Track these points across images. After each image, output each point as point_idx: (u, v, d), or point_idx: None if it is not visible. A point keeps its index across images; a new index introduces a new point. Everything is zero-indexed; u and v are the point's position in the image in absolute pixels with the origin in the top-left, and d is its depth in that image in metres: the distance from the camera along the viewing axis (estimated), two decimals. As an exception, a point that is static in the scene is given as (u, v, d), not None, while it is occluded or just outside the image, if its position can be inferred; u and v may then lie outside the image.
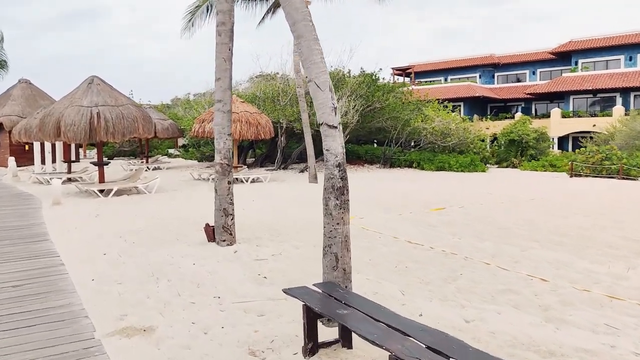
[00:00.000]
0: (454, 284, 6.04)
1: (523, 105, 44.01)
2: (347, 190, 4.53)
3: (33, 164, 24.88)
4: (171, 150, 44.40)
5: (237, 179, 19.33)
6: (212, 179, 19.45)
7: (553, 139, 34.92)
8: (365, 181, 20.30)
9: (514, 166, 28.35)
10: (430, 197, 14.71)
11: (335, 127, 4.49)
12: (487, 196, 14.92)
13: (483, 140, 28.28)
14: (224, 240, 7.66)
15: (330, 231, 4.50)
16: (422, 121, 26.12)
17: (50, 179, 18.68)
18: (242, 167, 21.28)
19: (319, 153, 20.51)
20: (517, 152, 29.47)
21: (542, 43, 69.87)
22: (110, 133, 14.91)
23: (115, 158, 37.42)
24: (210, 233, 7.91)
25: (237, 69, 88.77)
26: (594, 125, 34.87)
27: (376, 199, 14.16)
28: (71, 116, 14.49)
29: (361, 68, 27.37)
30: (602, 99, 37.15)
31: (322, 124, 4.52)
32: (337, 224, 4.49)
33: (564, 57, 41.97)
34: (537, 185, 18.42)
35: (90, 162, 16.56)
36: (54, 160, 24.61)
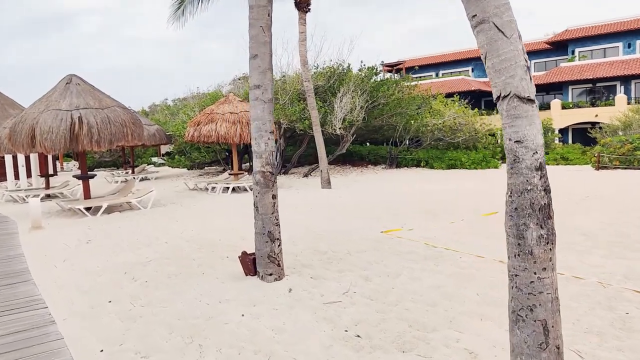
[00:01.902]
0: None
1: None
2: (553, 211, 2.65)
3: (5, 180, 22.39)
4: (154, 159, 41.92)
5: (239, 187, 17.27)
6: (212, 188, 17.41)
7: (555, 131, 33.69)
8: (378, 184, 18.46)
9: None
10: (467, 199, 12.94)
11: (532, 101, 2.61)
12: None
13: (493, 135, 26.74)
14: (270, 274, 5.69)
15: (531, 283, 2.62)
16: (431, 116, 24.40)
17: (27, 196, 16.37)
18: (242, 173, 19.22)
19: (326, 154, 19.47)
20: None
21: (532, 34, 69.22)
22: (95, 141, 12.74)
23: (95, 169, 34.85)
24: (250, 264, 5.93)
25: (223, 71, 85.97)
26: (596, 116, 33.79)
27: (408, 204, 12.32)
28: (48, 122, 12.28)
29: (361, 62, 25.58)
30: (601, 89, 36.10)
31: (505, 96, 2.64)
32: (543, 269, 2.61)
33: (560, 46, 40.95)
34: (573, 181, 16.86)
35: (74, 176, 14.32)
36: (29, 175, 22.15)
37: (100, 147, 13.04)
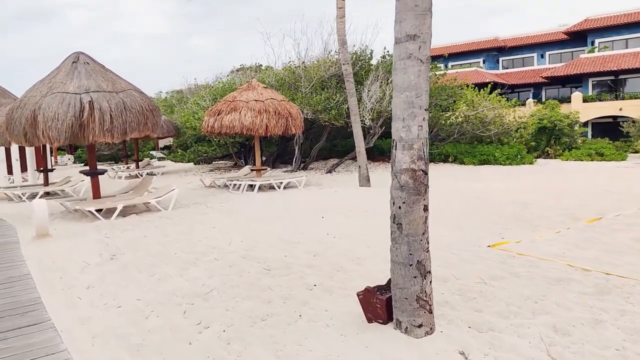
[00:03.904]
0: None
1: (532, 91, 41.24)
2: None
3: (-3, 175, 20.21)
4: (153, 152, 39.70)
5: (264, 185, 15.30)
6: (234, 185, 15.35)
7: (582, 125, 32.08)
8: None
9: (548, 156, 25.23)
10: (543, 201, 11.13)
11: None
12: (616, 195, 11.47)
13: (525, 128, 25.00)
14: (419, 325, 3.78)
15: None
16: (466, 107, 22.57)
17: (23, 194, 14.30)
18: (265, 169, 17.25)
19: (343, 150, 17.69)
20: (549, 140, 26.40)
21: (546, 25, 67.35)
22: (107, 130, 10.76)
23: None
24: (380, 307, 4.03)
25: (214, 64, 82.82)
26: (621, 109, 32.27)
27: (479, 208, 10.49)
28: (53, 107, 10.24)
29: (384, 48, 23.65)
30: (624, 81, 34.51)
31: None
32: None
33: (578, 37, 39.31)
34: (636, 179, 15.16)
35: (81, 171, 12.28)
36: (23, 169, 19.99)
37: (113, 137, 11.04)
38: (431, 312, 3.84)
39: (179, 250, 7.36)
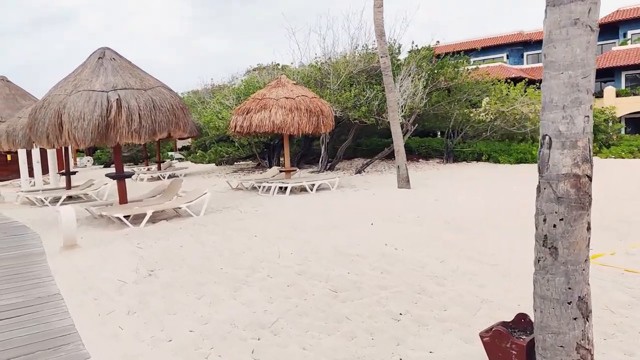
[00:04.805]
0: None
1: (559, 86, 39.76)
2: None
3: (18, 177, 19.70)
4: (171, 154, 39.16)
5: (295, 187, 14.42)
6: (264, 188, 14.49)
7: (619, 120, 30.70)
8: (459, 183, 15.61)
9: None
10: (616, 204, 10.09)
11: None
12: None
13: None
14: (575, 381, 2.89)
15: None
16: (498, 103, 21.48)
17: (46, 198, 13.65)
18: (295, 170, 16.40)
19: (370, 150, 15.76)
20: (585, 137, 25.14)
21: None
22: (134, 131, 10.00)
23: (112, 166, 32.08)
24: (519, 356, 3.12)
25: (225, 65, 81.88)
26: (657, 104, 30.84)
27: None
28: (78, 106, 9.50)
29: (412, 42, 22.67)
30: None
31: None
32: None
33: (609, 29, 37.74)
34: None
35: (107, 175, 11.55)
36: (44, 171, 19.44)
37: (141, 139, 10.27)
38: (591, 364, 2.93)
39: (224, 264, 6.53)
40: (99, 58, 10.51)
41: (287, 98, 14.27)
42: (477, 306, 4.62)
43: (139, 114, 9.86)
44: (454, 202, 11.15)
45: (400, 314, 4.48)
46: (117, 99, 9.69)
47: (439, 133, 28.44)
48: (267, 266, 6.33)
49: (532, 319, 3.38)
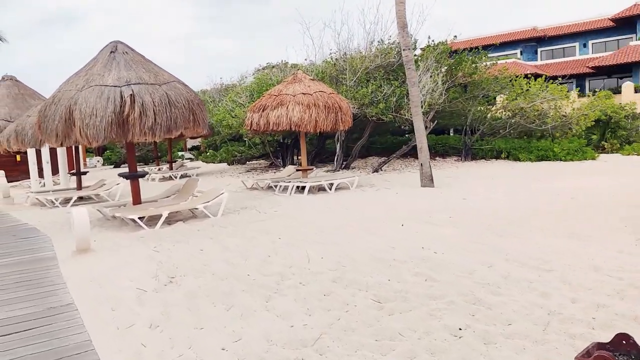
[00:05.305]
0: None
1: (575, 82, 38.93)
2: None
3: (27, 178, 19.35)
4: (181, 153, 38.82)
5: (313, 186, 13.88)
6: (281, 187, 13.89)
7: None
8: (481, 180, 15.01)
9: (604, 151, 23.25)
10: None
11: None
12: None
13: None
14: None
15: None
16: (519, 98, 20.82)
17: (56, 199, 13.23)
18: (311, 169, 15.87)
19: (388, 148, 12.71)
20: (604, 134, 24.42)
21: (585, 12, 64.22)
22: (149, 128, 9.51)
23: (123, 165, 31.76)
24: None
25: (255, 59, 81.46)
26: (677, 99, 29.93)
27: (594, 214, 8.91)
28: (90, 102, 9.04)
29: (429, 37, 22.07)
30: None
31: None
32: None
33: (626, 23, 36.90)
34: None
35: (120, 174, 11.10)
36: (54, 172, 19.08)
37: (155, 136, 9.79)
38: None
39: (251, 270, 6.01)
40: (111, 52, 10.05)
41: (304, 94, 13.75)
42: (545, 319, 4.07)
43: (154, 110, 9.38)
44: (484, 202, 10.57)
45: (460, 329, 3.94)
46: (131, 94, 9.22)
47: (451, 131, 27.81)
48: (297, 272, 5.81)
49: (637, 340, 2.84)
